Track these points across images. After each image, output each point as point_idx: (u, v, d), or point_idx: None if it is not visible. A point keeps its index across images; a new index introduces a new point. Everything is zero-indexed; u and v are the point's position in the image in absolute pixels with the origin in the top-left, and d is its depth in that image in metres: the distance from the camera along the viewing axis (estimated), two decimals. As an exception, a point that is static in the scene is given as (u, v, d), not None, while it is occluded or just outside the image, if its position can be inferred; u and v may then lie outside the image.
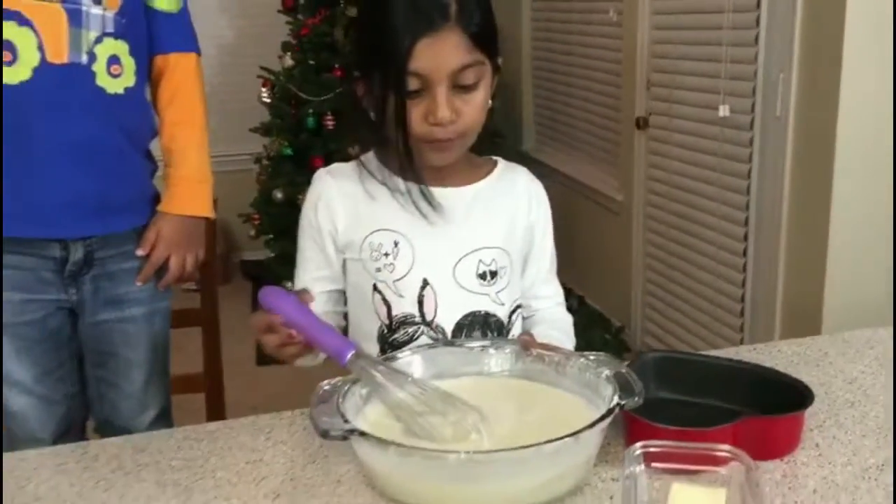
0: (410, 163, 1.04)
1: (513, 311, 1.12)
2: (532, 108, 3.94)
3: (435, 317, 1.07)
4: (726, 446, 0.77)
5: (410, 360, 0.97)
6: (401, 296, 1.07)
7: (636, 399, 0.84)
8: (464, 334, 1.07)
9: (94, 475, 0.92)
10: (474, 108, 1.02)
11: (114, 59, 1.23)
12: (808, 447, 0.90)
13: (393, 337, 1.08)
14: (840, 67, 2.06)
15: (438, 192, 1.09)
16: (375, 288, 1.08)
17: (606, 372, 0.89)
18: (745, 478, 0.74)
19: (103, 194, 1.27)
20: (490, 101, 1.06)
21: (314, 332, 0.94)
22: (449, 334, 1.07)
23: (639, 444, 0.79)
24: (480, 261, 1.09)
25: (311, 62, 3.02)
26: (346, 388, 0.89)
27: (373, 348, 1.09)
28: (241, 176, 3.54)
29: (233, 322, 1.83)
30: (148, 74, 1.33)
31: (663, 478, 0.77)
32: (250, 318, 0.96)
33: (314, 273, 1.13)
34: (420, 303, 1.07)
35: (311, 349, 0.96)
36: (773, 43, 2.27)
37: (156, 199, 1.37)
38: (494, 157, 1.18)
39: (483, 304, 1.09)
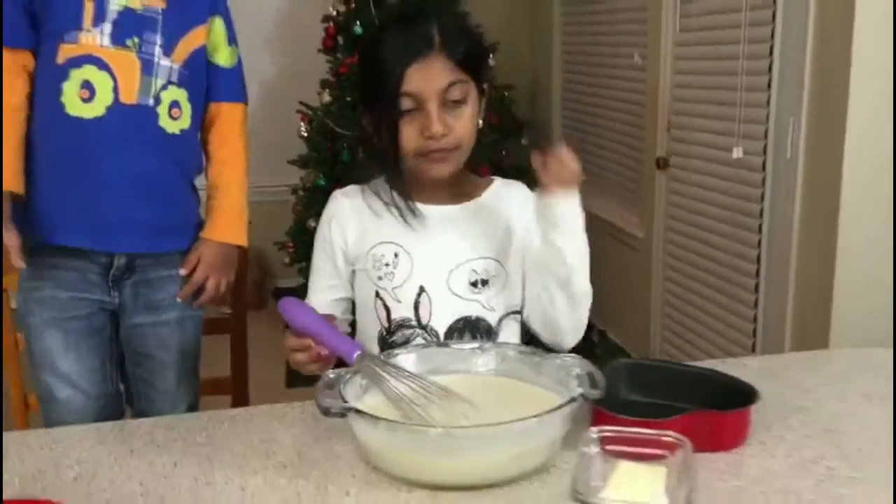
0: (400, 175, 1.20)
1: (504, 316, 1.24)
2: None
3: (429, 321, 1.20)
4: (671, 433, 0.89)
5: (408, 358, 1.10)
6: (399, 301, 1.21)
7: (598, 391, 0.95)
8: (455, 337, 1.20)
9: (129, 446, 1.05)
10: (463, 122, 1.17)
11: (175, 104, 1.40)
12: (755, 443, 1.00)
13: (391, 339, 1.22)
14: (846, 112, 2.16)
15: (437, 209, 1.23)
16: (377, 294, 1.22)
17: (577, 370, 1.00)
18: (684, 460, 0.85)
19: (156, 219, 1.44)
20: (480, 122, 1.22)
21: (326, 334, 1.08)
22: (441, 337, 1.20)
23: (595, 429, 0.91)
24: (473, 270, 1.22)
25: (348, 98, 3.19)
26: (348, 377, 1.02)
27: (374, 349, 1.22)
28: (278, 206, 3.71)
29: (265, 346, 1.95)
30: (201, 118, 1.50)
31: (614, 459, 0.88)
32: (283, 337, 1.11)
33: (326, 282, 1.27)
34: (416, 308, 1.21)
35: (329, 363, 1.09)
36: (785, 88, 2.38)
37: (199, 226, 1.53)
38: (493, 177, 1.31)
39: (474, 310, 1.21)
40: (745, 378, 1.11)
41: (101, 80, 1.33)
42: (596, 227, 3.79)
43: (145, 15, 1.34)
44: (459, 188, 1.26)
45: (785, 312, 2.42)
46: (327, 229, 1.27)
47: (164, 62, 1.37)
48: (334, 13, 3.37)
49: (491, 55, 3.50)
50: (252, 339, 1.72)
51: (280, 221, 3.56)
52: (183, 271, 1.48)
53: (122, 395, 1.54)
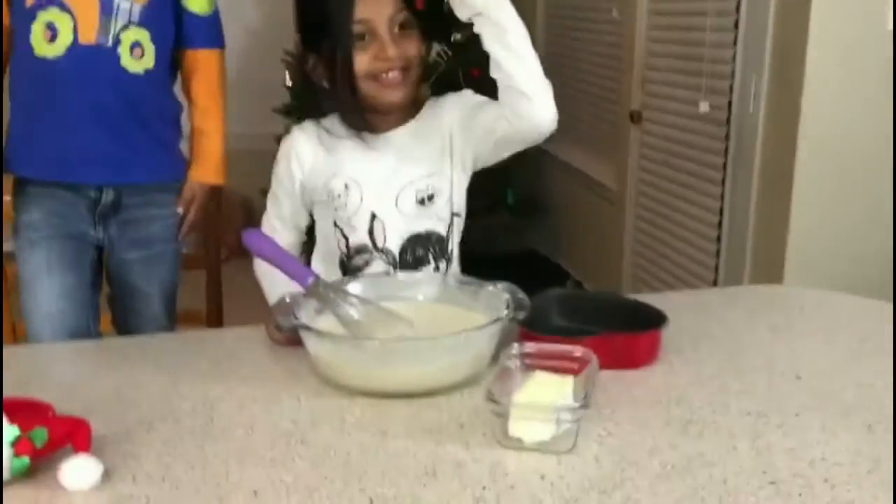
0: (353, 109, 1.29)
1: (450, 223, 1.34)
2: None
3: (384, 243, 1.32)
4: (580, 349, 1.01)
5: (357, 286, 1.22)
6: (354, 228, 1.33)
7: (522, 313, 1.07)
8: (408, 253, 1.31)
9: (105, 360, 1.18)
10: (413, 46, 1.27)
11: (136, 44, 1.48)
12: (664, 363, 1.13)
13: (351, 263, 1.34)
14: (803, 70, 2.26)
15: (378, 137, 1.33)
16: (335, 224, 1.34)
17: (507, 296, 1.12)
18: (589, 372, 0.97)
19: (122, 153, 1.54)
20: (423, 56, 1.31)
21: (284, 262, 1.19)
22: (397, 255, 1.32)
23: (516, 345, 1.02)
24: (417, 189, 1.32)
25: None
26: (303, 300, 1.14)
27: (337, 273, 1.34)
28: (262, 154, 3.78)
29: (248, 291, 2.06)
30: (175, 63, 1.58)
31: (532, 371, 1.00)
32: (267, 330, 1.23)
33: (283, 211, 1.40)
34: (371, 233, 1.32)
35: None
36: (748, 45, 2.46)
37: (179, 161, 1.62)
38: (427, 95, 1.39)
39: (424, 225, 1.33)
40: (671, 310, 1.23)
41: (62, 21, 1.41)
42: (574, 180, 3.93)
43: None
44: (401, 114, 1.34)
45: (744, 256, 2.55)
46: (286, 163, 1.38)
47: (125, 3, 1.44)
48: (319, -36, 3.42)
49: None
50: (235, 285, 1.83)
51: (265, 169, 3.59)
52: (180, 209, 1.61)
53: (97, 321, 1.65)
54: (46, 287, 1.52)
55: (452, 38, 3.45)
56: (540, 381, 0.97)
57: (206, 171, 1.62)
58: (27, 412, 0.90)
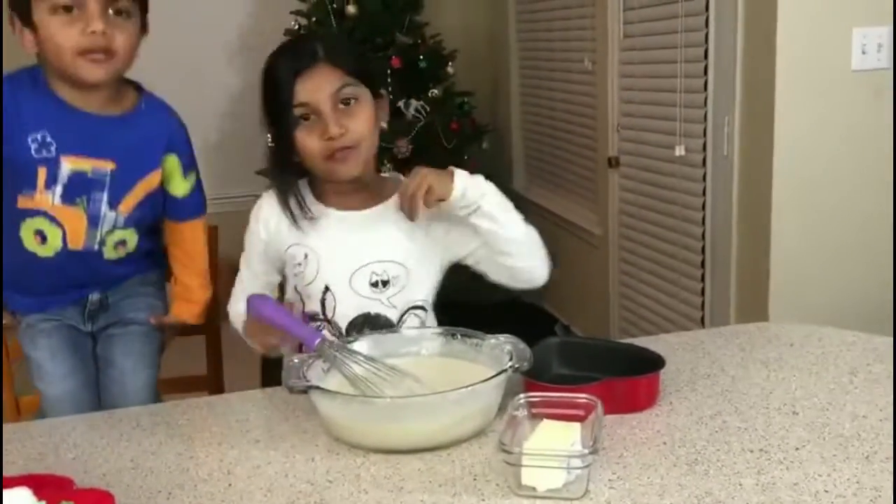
0: (292, 190, 1.36)
1: (405, 312, 1.36)
2: (522, 151, 4.23)
3: (334, 315, 1.35)
4: (585, 395, 1.04)
5: (363, 344, 1.25)
6: (309, 297, 1.37)
7: (526, 364, 1.11)
8: (354, 331, 1.33)
9: (118, 431, 1.19)
10: (358, 120, 1.30)
11: (120, 243, 1.54)
12: (664, 404, 1.16)
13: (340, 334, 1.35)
14: (773, 111, 2.34)
15: (344, 213, 1.37)
16: (295, 289, 1.40)
17: (509, 348, 1.16)
18: (595, 418, 1.01)
19: (108, 284, 1.61)
20: (384, 125, 1.37)
21: (290, 325, 1.24)
22: (344, 330, 1.35)
23: (522, 395, 1.06)
24: (373, 272, 1.35)
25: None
26: (311, 361, 1.17)
27: None
28: (247, 215, 3.84)
29: (241, 350, 2.07)
30: (158, 227, 1.64)
31: (539, 419, 1.03)
32: (246, 328, 1.29)
33: (253, 268, 1.45)
34: (322, 304, 1.36)
35: (286, 343, 1.27)
36: (719, 89, 2.55)
37: (159, 258, 1.67)
38: (399, 176, 1.41)
39: (375, 307, 1.35)
40: (665, 351, 1.27)
41: (51, 231, 1.48)
42: (558, 226, 4.00)
43: (94, 177, 1.46)
44: (368, 191, 1.38)
45: (728, 294, 2.60)
46: (254, 225, 1.43)
47: (110, 214, 1.50)
48: (296, 27, 3.51)
49: (451, 63, 3.66)
50: (227, 344, 1.85)
51: (250, 230, 3.68)
52: (152, 321, 1.64)
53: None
54: (51, 369, 1.55)
55: (430, 94, 3.53)
56: (548, 429, 1.00)
57: (182, 314, 1.66)
58: (50, 487, 0.92)
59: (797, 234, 2.39)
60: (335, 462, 1.06)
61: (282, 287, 1.48)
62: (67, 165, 1.44)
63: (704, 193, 2.68)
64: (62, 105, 1.43)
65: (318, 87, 1.27)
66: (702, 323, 2.76)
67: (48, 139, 1.42)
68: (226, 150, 4.11)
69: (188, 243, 1.64)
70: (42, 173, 1.44)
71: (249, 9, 4.07)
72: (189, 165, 1.59)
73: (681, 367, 1.28)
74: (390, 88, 3.31)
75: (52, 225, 1.48)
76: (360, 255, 1.36)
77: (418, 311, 1.39)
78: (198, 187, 1.63)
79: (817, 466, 0.98)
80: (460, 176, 1.26)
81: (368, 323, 1.35)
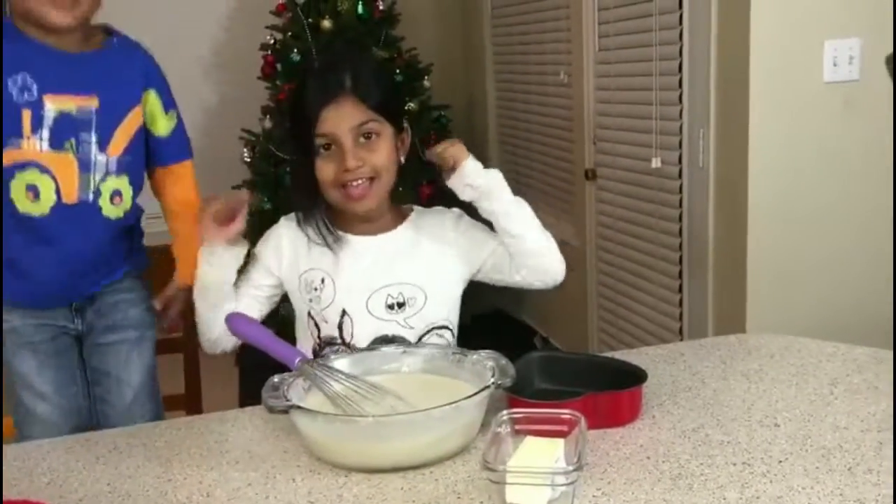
0: (321, 208, 1.36)
1: (425, 333, 1.37)
2: (499, 164, 4.24)
3: (352, 339, 1.35)
4: (568, 411, 1.04)
5: (343, 362, 1.23)
6: (325, 322, 1.36)
7: (508, 380, 1.10)
8: None
9: (94, 454, 1.17)
10: (378, 154, 1.32)
11: (116, 193, 1.51)
12: (647, 417, 1.16)
13: (322, 353, 1.36)
14: (747, 122, 2.36)
15: (360, 238, 1.38)
16: (309, 314, 1.38)
17: (491, 363, 1.15)
18: (579, 433, 1.00)
19: (97, 276, 1.57)
20: (402, 159, 1.37)
21: (270, 344, 1.22)
22: None
23: (505, 411, 1.05)
24: (389, 294, 1.36)
25: (289, 124, 3.32)
26: (291, 380, 1.15)
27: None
28: (221, 231, 3.82)
29: (219, 368, 2.05)
30: (145, 180, 1.60)
31: (523, 436, 1.02)
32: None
33: (252, 291, 1.41)
34: (340, 328, 1.36)
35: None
36: (694, 102, 2.57)
37: (142, 254, 1.64)
38: (413, 206, 1.46)
39: (392, 329, 1.36)
40: (646, 364, 1.27)
41: (43, 183, 1.44)
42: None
43: (80, 117, 1.44)
44: (382, 220, 1.41)
45: (706, 305, 2.61)
46: (264, 251, 1.42)
47: (101, 157, 1.47)
48: (272, 41, 3.49)
49: (427, 76, 3.66)
50: (206, 362, 1.83)
51: (228, 246, 3.66)
52: (158, 305, 1.62)
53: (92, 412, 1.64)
54: (37, 386, 1.52)
55: (407, 107, 3.53)
56: (531, 445, 0.99)
57: (186, 274, 1.61)
58: (25, 513, 0.90)
59: (773, 244, 2.41)
60: (316, 482, 1.04)
61: (274, 313, 1.45)
62: (51, 105, 1.41)
63: (681, 205, 2.69)
64: (37, 46, 1.41)
65: (341, 121, 1.30)
66: (680, 333, 2.77)
67: (28, 80, 1.40)
68: (201, 165, 4.07)
69: (179, 189, 1.61)
70: (27, 116, 1.40)
71: (224, 23, 4.06)
72: (169, 103, 1.58)
73: (662, 379, 1.28)
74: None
75: (42, 175, 1.43)
76: (376, 279, 1.37)
77: (441, 331, 1.39)
78: (181, 128, 1.60)
79: (800, 479, 0.98)
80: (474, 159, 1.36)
81: (386, 345, 1.34)
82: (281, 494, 1.02)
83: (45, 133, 1.42)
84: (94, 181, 1.47)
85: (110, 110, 1.47)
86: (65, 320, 1.56)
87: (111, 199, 1.50)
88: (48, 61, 1.41)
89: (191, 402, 1.77)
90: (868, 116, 2.38)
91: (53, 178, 1.44)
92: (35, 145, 1.42)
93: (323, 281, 1.37)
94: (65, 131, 1.43)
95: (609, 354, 1.42)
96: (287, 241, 1.40)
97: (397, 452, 1.05)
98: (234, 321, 1.26)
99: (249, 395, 1.24)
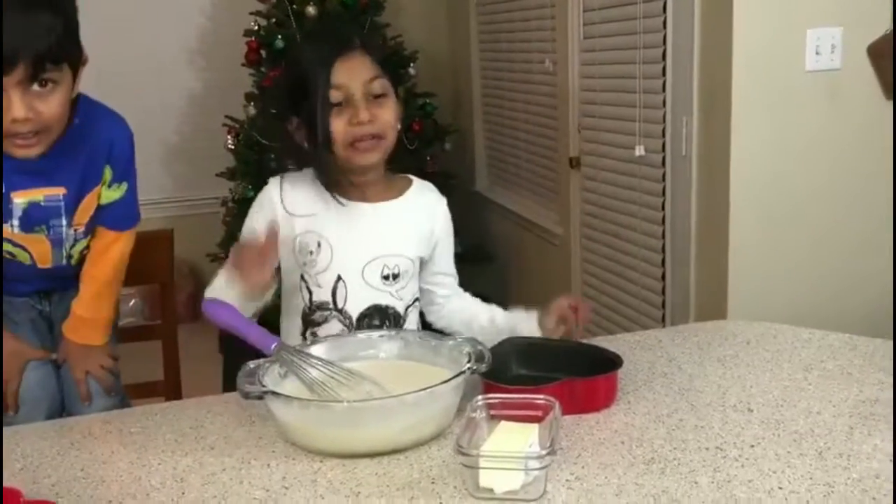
0: (329, 171, 1.35)
1: (409, 306, 1.41)
2: (484, 152, 4.24)
3: (345, 305, 1.37)
4: (542, 396, 1.04)
5: (320, 348, 1.23)
6: (319, 286, 1.37)
7: (484, 365, 1.10)
8: (365, 321, 1.37)
9: (69, 440, 1.16)
10: (386, 112, 1.34)
11: (85, 248, 1.52)
12: (622, 403, 1.16)
13: (311, 317, 1.38)
14: (730, 111, 2.37)
15: (358, 206, 1.38)
16: (302, 277, 1.38)
17: (468, 349, 1.15)
18: (553, 418, 1.00)
19: (65, 283, 1.57)
20: (398, 124, 1.38)
21: (245, 329, 1.22)
22: (354, 320, 1.36)
23: (480, 397, 1.05)
24: (385, 265, 1.38)
25: (273, 111, 3.30)
26: (267, 366, 1.15)
27: (297, 323, 1.38)
28: (208, 218, 3.80)
29: (201, 356, 2.04)
30: None
31: (497, 421, 1.03)
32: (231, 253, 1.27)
33: None
34: (333, 293, 1.37)
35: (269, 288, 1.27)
36: (677, 90, 2.57)
37: None
38: (409, 176, 1.47)
39: (384, 299, 1.38)
40: (623, 350, 1.27)
41: (19, 253, 1.46)
42: (520, 226, 4.01)
43: (49, 205, 1.43)
44: (381, 186, 1.41)
45: (688, 293, 2.62)
46: (261, 212, 1.40)
47: (70, 232, 1.48)
48: (256, 28, 3.47)
49: (412, 64, 3.65)
50: (188, 351, 1.82)
51: (211, 233, 3.64)
52: (59, 361, 1.56)
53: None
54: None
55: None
56: (506, 430, 1.00)
57: (78, 333, 1.55)
58: (-4, 499, 0.90)
59: (755, 232, 2.42)
60: (291, 467, 1.04)
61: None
62: (19, 200, 1.41)
63: (664, 193, 2.70)
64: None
65: (352, 72, 1.31)
66: (662, 321, 2.78)
67: None
68: (184, 153, 4.07)
69: (98, 252, 1.53)
70: None
71: (208, 10, 4.03)
72: (121, 175, 1.51)
73: (639, 365, 1.28)
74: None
75: (17, 248, 1.46)
76: (373, 247, 1.38)
77: (416, 304, 1.44)
78: (127, 199, 1.53)
79: (772, 463, 0.98)
80: None
81: (379, 314, 1.37)
82: (255, 479, 1.02)
83: (16, 221, 1.42)
84: (66, 250, 1.49)
85: (77, 195, 1.46)
86: (36, 301, 1.57)
87: (81, 254, 1.52)
88: (10, 164, 1.36)
89: (170, 389, 1.76)
90: (849, 105, 2.39)
91: (28, 252, 1.46)
92: (7, 229, 1.42)
93: (319, 245, 1.36)
94: (35, 219, 1.43)
95: (587, 341, 1.43)
96: (279, 203, 1.39)
97: (372, 438, 1.05)
98: (210, 307, 1.25)
99: (233, 383, 1.23)
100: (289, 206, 1.38)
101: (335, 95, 1.30)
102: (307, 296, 1.38)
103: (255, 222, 1.40)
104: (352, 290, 1.36)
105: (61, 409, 1.58)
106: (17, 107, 1.24)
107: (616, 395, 1.17)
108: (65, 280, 1.57)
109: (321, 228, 1.37)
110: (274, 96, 3.06)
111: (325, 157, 1.33)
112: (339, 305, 1.36)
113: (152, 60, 3.88)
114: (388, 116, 1.34)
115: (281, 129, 1.43)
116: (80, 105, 1.42)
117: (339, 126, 1.31)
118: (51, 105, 1.28)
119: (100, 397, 1.55)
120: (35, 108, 1.26)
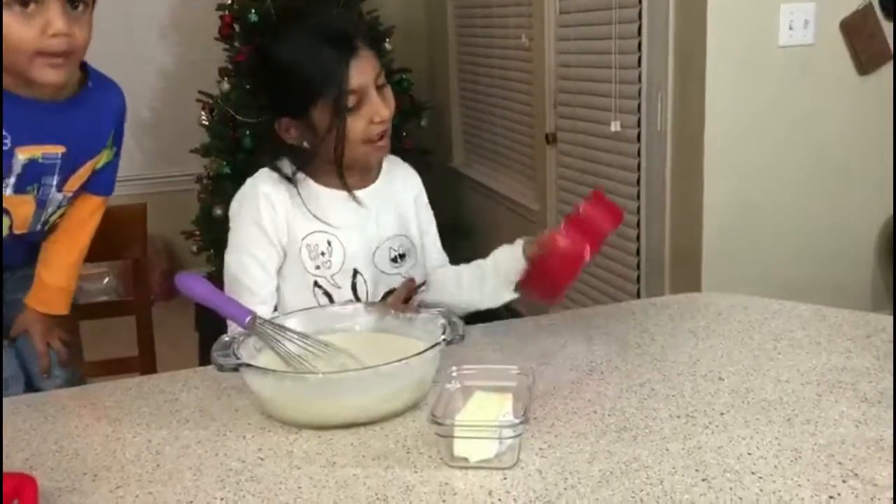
0: (342, 174, 1.32)
1: (420, 285, 1.36)
2: (460, 128, 4.23)
3: (367, 298, 1.35)
4: (516, 367, 1.05)
5: (295, 320, 1.23)
6: (338, 287, 1.34)
7: (459, 337, 1.11)
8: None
9: (42, 414, 1.16)
10: (392, 105, 1.32)
11: (59, 218, 1.50)
12: (596, 373, 1.18)
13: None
14: (704, 86, 2.38)
15: (356, 195, 1.36)
16: (316, 284, 1.33)
17: (442, 321, 1.16)
18: (528, 387, 1.01)
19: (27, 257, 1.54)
20: None
21: (220, 303, 1.21)
22: None
23: (454, 367, 1.06)
24: (391, 248, 1.38)
25: (248, 86, 3.27)
26: (242, 339, 1.15)
27: None
28: (182, 195, 3.77)
29: (176, 334, 2.03)
30: None
31: (471, 391, 1.03)
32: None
33: (261, 260, 1.33)
34: (354, 289, 1.35)
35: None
36: (652, 65, 2.58)
37: None
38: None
39: (397, 282, 1.36)
40: (598, 323, 1.29)
41: None
42: (496, 202, 4.01)
43: (45, 162, 1.40)
44: (363, 172, 1.38)
45: (663, 267, 2.65)
46: (256, 212, 1.32)
47: (57, 195, 1.45)
48: (229, 1, 3.43)
49: (387, 39, 3.63)
50: (164, 329, 1.81)
51: (185, 211, 3.62)
52: (12, 334, 1.53)
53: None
54: None
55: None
56: (480, 400, 1.00)
57: (42, 301, 1.53)
58: (-31, 472, 0.89)
59: (728, 204, 2.45)
60: (267, 439, 1.05)
61: None
62: (21, 156, 1.38)
63: (639, 169, 2.72)
64: (13, 99, 1.34)
65: (365, 74, 1.27)
66: (637, 295, 2.80)
67: (4, 134, 1.35)
68: (157, 129, 4.02)
69: (77, 216, 1.52)
70: None
71: (180, -16, 3.97)
72: (118, 140, 1.54)
73: (613, 336, 1.30)
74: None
75: None
76: (376, 231, 1.37)
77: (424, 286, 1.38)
78: (115, 164, 1.56)
79: (741, 430, 1.00)
80: None
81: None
82: (230, 451, 1.02)
83: (13, 180, 1.39)
84: (46, 214, 1.47)
85: (75, 157, 1.43)
86: None
87: (53, 223, 1.50)
88: (21, 113, 1.35)
89: (145, 365, 1.75)
90: (822, 80, 2.42)
91: (10, 216, 1.43)
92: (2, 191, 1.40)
93: (330, 244, 1.33)
94: (30, 177, 1.40)
95: (563, 312, 1.44)
96: (277, 197, 1.32)
97: (347, 409, 1.05)
98: (184, 280, 1.23)
99: (209, 361, 1.22)
100: (284, 210, 1.33)
101: (352, 99, 1.26)
102: (325, 301, 1.33)
103: (251, 221, 1.33)
104: (370, 282, 1.35)
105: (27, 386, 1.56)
106: (60, 20, 1.24)
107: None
108: (24, 254, 1.53)
109: (323, 226, 1.33)
110: (256, 91, 2.97)
111: (337, 155, 1.29)
112: (363, 300, 1.34)
113: (123, 34, 3.81)
114: (393, 106, 1.31)
115: (267, 128, 1.35)
116: (90, 73, 1.44)
117: (358, 125, 1.27)
118: (83, 28, 1.29)
119: (55, 369, 1.54)
120: (70, 27, 1.26)
